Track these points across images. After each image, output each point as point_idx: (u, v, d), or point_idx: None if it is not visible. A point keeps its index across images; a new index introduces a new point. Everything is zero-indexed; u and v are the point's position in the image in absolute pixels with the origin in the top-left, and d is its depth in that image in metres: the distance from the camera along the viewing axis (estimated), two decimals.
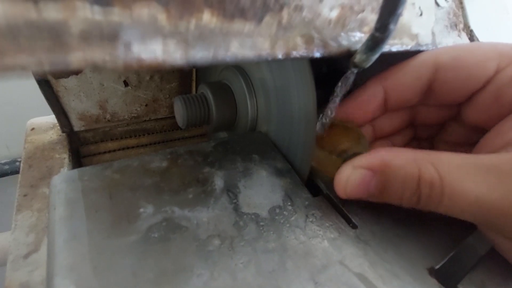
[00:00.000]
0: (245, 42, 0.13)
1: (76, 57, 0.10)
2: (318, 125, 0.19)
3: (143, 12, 0.10)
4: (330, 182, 0.20)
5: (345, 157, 0.18)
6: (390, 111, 0.20)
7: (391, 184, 0.16)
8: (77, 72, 0.27)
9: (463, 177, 0.14)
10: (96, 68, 0.10)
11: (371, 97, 0.19)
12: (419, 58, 0.18)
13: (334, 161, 0.18)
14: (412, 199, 0.16)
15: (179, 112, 0.26)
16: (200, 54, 0.12)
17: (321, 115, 0.19)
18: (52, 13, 0.09)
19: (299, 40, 0.14)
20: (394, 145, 0.22)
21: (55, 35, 0.09)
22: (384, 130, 0.21)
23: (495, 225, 0.14)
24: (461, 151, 0.20)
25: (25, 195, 0.24)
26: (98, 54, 0.10)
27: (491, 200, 0.13)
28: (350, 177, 0.17)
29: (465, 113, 0.19)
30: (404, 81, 0.18)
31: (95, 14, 0.10)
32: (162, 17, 0.11)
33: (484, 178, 0.14)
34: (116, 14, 0.10)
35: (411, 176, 0.15)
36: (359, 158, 0.17)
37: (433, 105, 0.20)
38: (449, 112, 0.20)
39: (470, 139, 0.20)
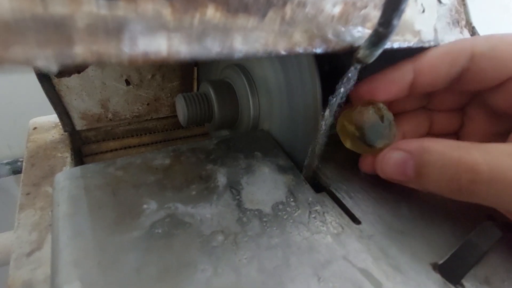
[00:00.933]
0: (248, 38, 0.13)
1: (82, 51, 0.10)
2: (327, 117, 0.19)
3: (148, 6, 0.10)
4: (333, 179, 0.21)
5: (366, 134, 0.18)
6: (413, 94, 0.20)
7: (428, 169, 0.16)
8: (79, 71, 0.27)
9: None
10: (102, 62, 0.10)
11: (400, 77, 0.19)
12: (456, 45, 0.18)
13: (355, 137, 0.19)
14: (450, 185, 0.15)
15: (181, 110, 0.26)
16: (204, 49, 0.12)
17: (325, 112, 0.19)
18: (58, 8, 0.09)
19: (302, 36, 0.14)
20: (406, 135, 0.21)
21: (61, 29, 0.09)
22: (399, 108, 0.21)
23: None
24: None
25: (27, 194, 0.24)
26: (103, 49, 0.10)
27: None
28: (386, 156, 0.17)
29: (491, 99, 0.19)
30: (437, 67, 0.18)
31: (100, 8, 0.10)
32: (166, 11, 0.11)
33: None
34: (121, 8, 0.10)
35: (450, 160, 0.15)
36: (399, 141, 0.17)
37: (454, 91, 0.20)
38: (466, 98, 0.20)
39: (497, 127, 0.20)
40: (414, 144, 0.16)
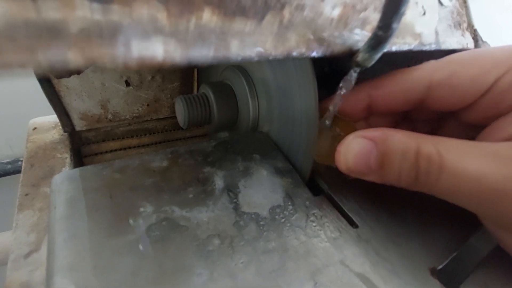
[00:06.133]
0: (246, 41, 0.13)
1: (75, 56, 0.09)
2: (323, 122, 0.19)
3: (142, 10, 0.10)
4: (331, 182, 0.20)
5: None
6: (376, 115, 0.20)
7: (390, 158, 0.15)
8: (78, 72, 0.27)
9: (464, 156, 0.14)
10: (96, 67, 0.10)
11: (354, 103, 0.19)
12: (412, 76, 0.18)
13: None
14: (410, 175, 0.15)
15: (181, 112, 0.26)
16: (201, 54, 0.12)
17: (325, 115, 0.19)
18: (51, 12, 0.09)
19: (300, 39, 0.14)
20: None
21: (54, 34, 0.09)
22: (377, 125, 0.21)
23: (495, 211, 0.14)
24: None
25: (26, 195, 0.24)
26: (97, 53, 0.10)
27: (495, 181, 0.13)
28: (350, 145, 0.16)
29: (462, 115, 0.18)
30: (392, 96, 0.18)
31: (94, 13, 0.10)
32: (162, 16, 0.11)
33: (486, 160, 0.14)
34: (116, 13, 0.10)
35: (410, 149, 0.15)
36: (361, 130, 0.17)
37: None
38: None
39: (470, 135, 0.20)
40: (378, 132, 0.16)
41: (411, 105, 0.18)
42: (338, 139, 0.18)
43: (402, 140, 0.15)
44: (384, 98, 0.19)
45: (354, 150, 0.16)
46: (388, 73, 0.19)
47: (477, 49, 0.18)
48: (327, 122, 0.19)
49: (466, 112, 0.18)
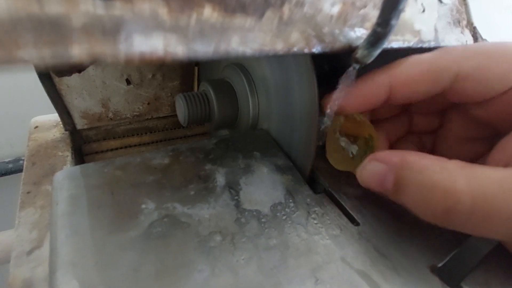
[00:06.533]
0: (246, 37, 0.13)
1: (78, 51, 0.10)
2: (323, 120, 0.19)
3: (144, 6, 0.10)
4: (332, 180, 0.20)
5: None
6: (388, 105, 0.19)
7: (407, 186, 0.15)
8: (80, 70, 0.27)
9: (502, 192, 0.13)
10: (98, 62, 0.10)
11: (375, 92, 0.18)
12: (440, 63, 0.17)
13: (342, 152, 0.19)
14: (426, 209, 0.14)
15: (181, 110, 0.26)
16: (201, 49, 0.12)
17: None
18: (54, 7, 0.09)
19: (300, 36, 0.14)
20: (388, 135, 0.21)
21: (57, 28, 0.09)
22: (380, 115, 0.21)
23: None
24: (468, 149, 0.20)
25: (28, 192, 0.25)
26: (99, 48, 0.10)
27: None
28: (365, 166, 0.16)
29: (473, 110, 0.18)
30: (416, 85, 0.17)
31: (96, 7, 0.10)
32: (163, 11, 0.11)
33: None
34: (118, 8, 0.10)
35: (429, 181, 0.14)
36: (380, 152, 0.16)
37: (436, 100, 0.19)
38: (448, 104, 0.20)
39: (475, 134, 0.19)
40: (395, 158, 0.15)
41: (431, 95, 0.17)
42: (349, 153, 0.19)
43: (420, 170, 0.14)
44: (406, 88, 0.17)
45: (368, 172, 0.16)
46: (409, 57, 0.17)
47: (503, 43, 0.18)
48: (327, 121, 0.19)
49: (479, 107, 0.17)
